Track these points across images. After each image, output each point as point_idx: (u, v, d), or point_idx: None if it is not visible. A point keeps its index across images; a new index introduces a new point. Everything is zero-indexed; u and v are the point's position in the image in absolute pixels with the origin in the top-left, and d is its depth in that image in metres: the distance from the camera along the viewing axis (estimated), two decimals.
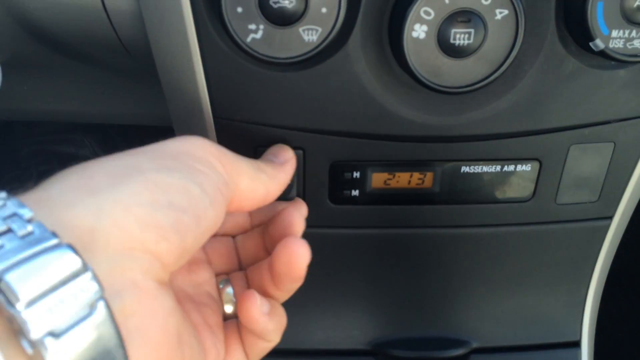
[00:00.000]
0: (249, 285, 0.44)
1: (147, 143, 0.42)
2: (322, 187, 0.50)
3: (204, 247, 0.44)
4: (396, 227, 0.54)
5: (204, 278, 0.43)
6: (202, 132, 0.47)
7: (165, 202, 0.31)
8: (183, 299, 0.39)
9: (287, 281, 0.40)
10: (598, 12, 0.41)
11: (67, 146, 1.10)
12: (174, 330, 0.31)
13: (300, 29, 0.40)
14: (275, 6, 0.39)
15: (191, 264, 0.42)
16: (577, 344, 0.64)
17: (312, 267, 0.57)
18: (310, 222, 0.52)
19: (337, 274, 0.58)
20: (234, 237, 0.46)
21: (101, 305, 0.25)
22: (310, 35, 0.40)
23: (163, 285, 0.30)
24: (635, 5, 0.41)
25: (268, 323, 0.39)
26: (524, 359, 0.63)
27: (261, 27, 0.40)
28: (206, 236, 0.34)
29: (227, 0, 0.39)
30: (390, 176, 0.50)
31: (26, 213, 0.26)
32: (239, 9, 0.39)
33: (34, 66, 0.62)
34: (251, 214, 0.46)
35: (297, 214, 0.43)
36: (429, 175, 0.50)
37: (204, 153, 0.35)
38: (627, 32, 0.42)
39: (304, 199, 0.50)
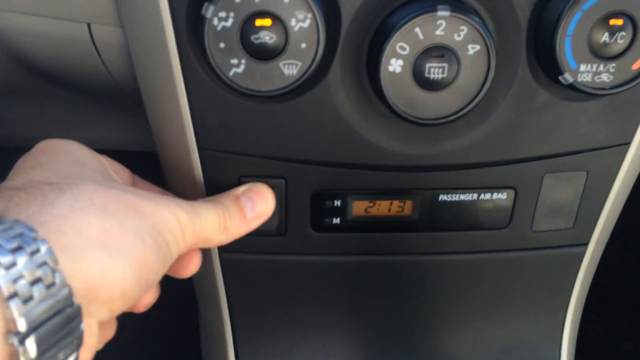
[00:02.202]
0: None
1: (136, 168, 0.46)
2: (304, 215, 0.51)
3: None
4: (377, 254, 0.55)
5: None
6: (186, 162, 0.48)
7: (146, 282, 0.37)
8: None
9: None
10: (566, 47, 0.42)
11: None
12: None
13: (281, 64, 0.42)
14: (256, 42, 0.40)
15: None
16: None
17: (294, 295, 0.58)
18: (292, 249, 0.53)
19: (320, 301, 0.59)
20: None
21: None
22: (290, 69, 0.42)
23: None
24: (601, 40, 0.42)
25: None
26: None
27: (243, 61, 0.41)
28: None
29: (210, 36, 0.40)
30: (371, 204, 0.51)
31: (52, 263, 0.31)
32: (222, 45, 0.40)
33: (23, 94, 0.63)
34: None
35: None
36: (409, 203, 0.51)
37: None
38: (594, 66, 0.43)
39: (286, 227, 0.51)
